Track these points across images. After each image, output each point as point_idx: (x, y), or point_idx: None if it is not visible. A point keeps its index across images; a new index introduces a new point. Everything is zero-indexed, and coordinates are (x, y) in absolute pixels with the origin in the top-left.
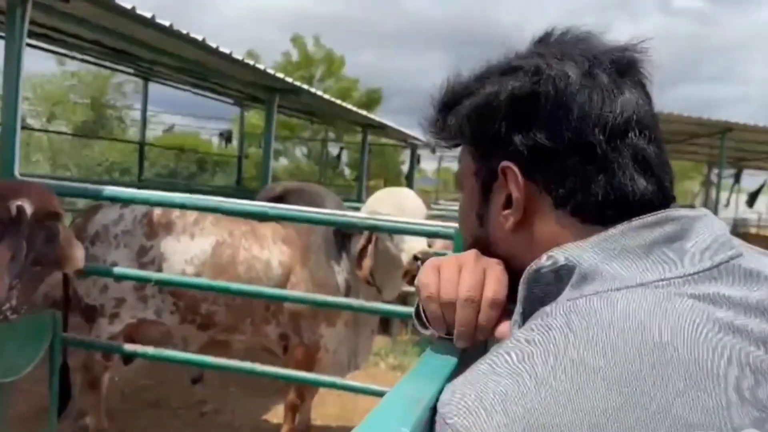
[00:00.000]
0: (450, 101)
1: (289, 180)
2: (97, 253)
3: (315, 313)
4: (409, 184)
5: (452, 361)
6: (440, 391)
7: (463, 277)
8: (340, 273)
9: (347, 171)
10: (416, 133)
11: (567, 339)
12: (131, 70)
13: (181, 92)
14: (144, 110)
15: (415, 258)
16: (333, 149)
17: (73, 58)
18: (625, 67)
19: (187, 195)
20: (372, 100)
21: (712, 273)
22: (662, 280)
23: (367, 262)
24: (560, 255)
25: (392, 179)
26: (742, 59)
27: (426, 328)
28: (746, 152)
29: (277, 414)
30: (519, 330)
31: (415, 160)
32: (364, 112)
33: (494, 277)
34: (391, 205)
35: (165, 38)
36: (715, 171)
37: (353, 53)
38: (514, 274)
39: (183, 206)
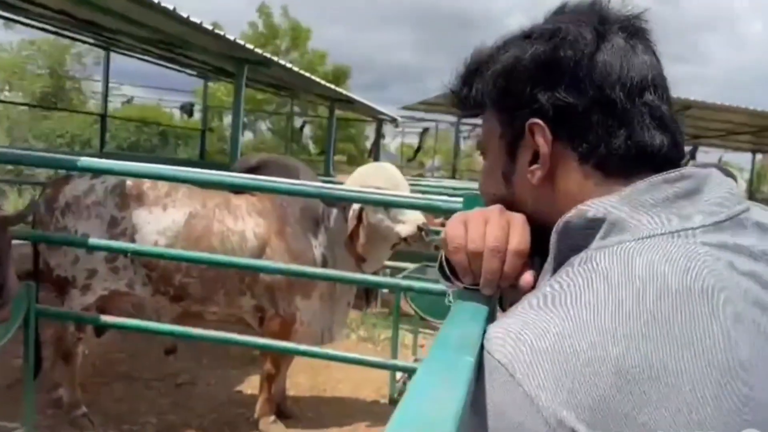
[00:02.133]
0: (475, 69)
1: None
2: (68, 225)
3: (291, 285)
4: (375, 159)
5: (484, 308)
6: (484, 331)
7: (489, 229)
8: (317, 247)
9: (311, 146)
10: (383, 108)
11: (596, 282)
12: (92, 40)
13: (140, 64)
14: (106, 81)
15: (419, 228)
16: (298, 124)
17: (32, 26)
18: (635, 32)
19: (167, 167)
20: (339, 76)
21: (726, 224)
22: (682, 230)
23: (362, 237)
24: (590, 208)
25: (355, 154)
26: (702, 39)
27: (449, 281)
28: (703, 129)
29: (251, 385)
30: (552, 277)
31: (381, 135)
32: (333, 87)
33: (518, 229)
34: (385, 179)
35: (132, 6)
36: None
37: (321, 27)
38: (537, 229)
39: (165, 178)
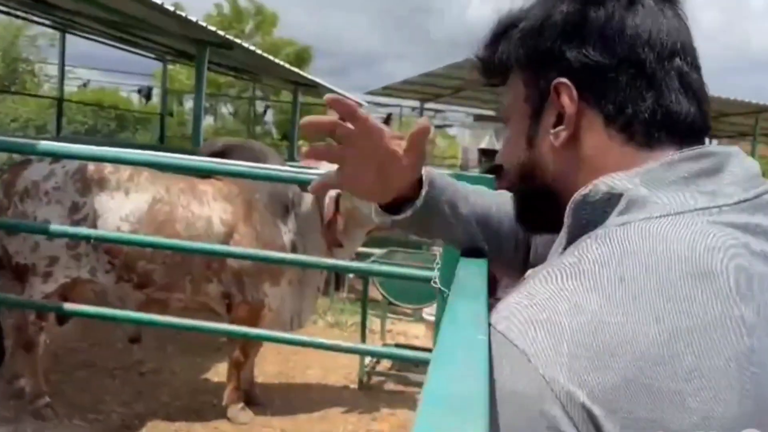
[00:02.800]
0: (503, 30)
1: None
2: (27, 210)
3: (259, 272)
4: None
5: (484, 281)
6: (488, 307)
7: None
8: (287, 233)
9: (274, 131)
10: (348, 93)
11: (613, 259)
12: (47, 22)
13: (97, 46)
14: (62, 64)
15: None
16: (260, 108)
17: None
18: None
19: (132, 150)
20: (301, 58)
21: (746, 205)
22: (702, 209)
23: (341, 224)
24: (608, 183)
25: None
26: None
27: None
28: None
29: (217, 373)
30: (567, 251)
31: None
32: (297, 71)
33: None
34: None
35: None
36: None
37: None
38: (552, 201)
39: (129, 161)
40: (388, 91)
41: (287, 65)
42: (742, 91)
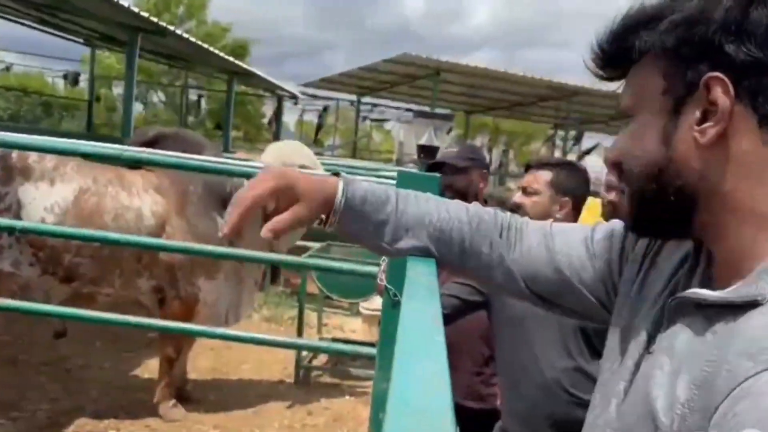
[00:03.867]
0: (645, 20)
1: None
2: None
3: (193, 265)
4: (276, 136)
5: (435, 280)
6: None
7: None
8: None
9: (207, 120)
10: (284, 83)
11: None
12: None
13: (20, 28)
14: None
15: None
16: (193, 97)
17: None
18: None
19: (58, 139)
20: (239, 50)
21: None
22: None
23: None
24: None
25: (253, 131)
26: (591, 26)
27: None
28: (589, 115)
29: (149, 369)
30: None
31: (281, 111)
32: (232, 59)
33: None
34: (307, 156)
35: None
36: (561, 132)
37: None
38: (692, 200)
39: (57, 151)
40: (324, 83)
41: (221, 54)
42: None
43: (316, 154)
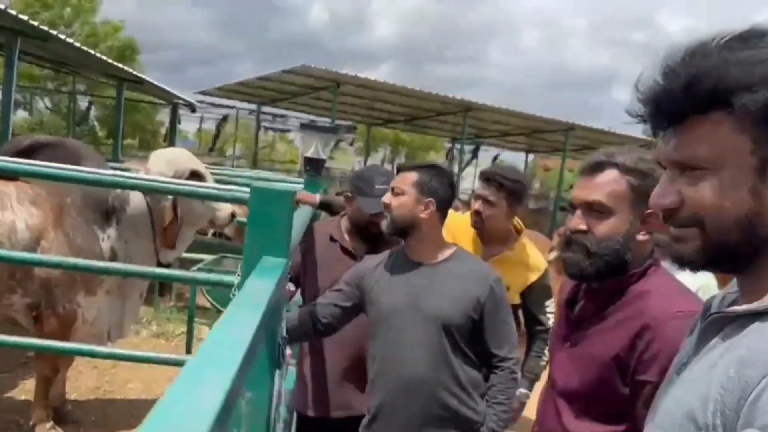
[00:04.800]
0: (740, 85)
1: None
2: None
3: (72, 281)
4: (171, 145)
5: (260, 303)
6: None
7: None
8: (106, 239)
9: (98, 128)
10: (178, 90)
11: None
12: None
13: None
14: None
15: (233, 215)
16: (83, 103)
17: None
18: None
19: None
20: (126, 51)
21: None
22: None
23: (179, 228)
24: None
25: (148, 139)
26: (487, 44)
27: None
28: (483, 130)
29: (24, 389)
30: None
31: (177, 119)
32: (121, 65)
33: None
34: (197, 164)
35: None
36: (458, 146)
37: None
38: (743, 240)
39: None
40: (222, 91)
41: (108, 59)
42: (559, 107)
43: (215, 163)
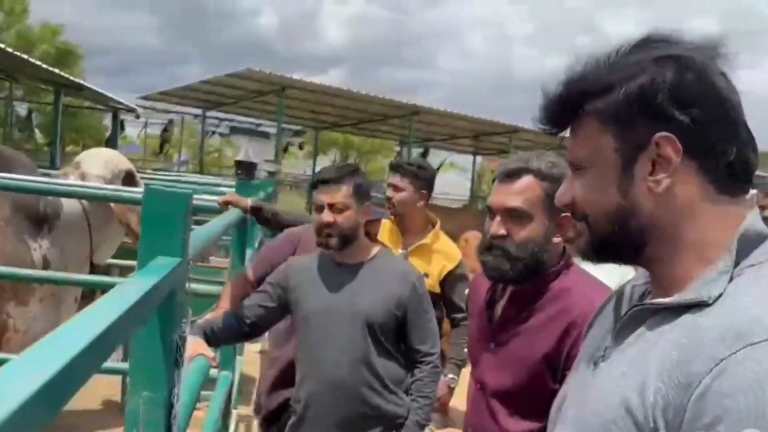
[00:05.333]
0: (595, 87)
1: None
2: None
3: (1, 291)
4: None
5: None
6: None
7: None
8: (38, 248)
9: (38, 135)
10: (119, 96)
11: None
12: None
13: None
14: None
15: None
16: (22, 110)
17: None
18: (720, 61)
19: None
20: (66, 57)
21: None
22: None
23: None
24: (756, 227)
25: (92, 145)
26: (433, 48)
27: None
28: (431, 133)
29: None
30: (756, 272)
31: (117, 125)
32: (57, 71)
33: None
34: (127, 163)
35: None
36: (406, 149)
37: (48, 4)
38: (646, 238)
39: None
40: (165, 96)
41: (44, 65)
42: (503, 111)
43: (159, 169)
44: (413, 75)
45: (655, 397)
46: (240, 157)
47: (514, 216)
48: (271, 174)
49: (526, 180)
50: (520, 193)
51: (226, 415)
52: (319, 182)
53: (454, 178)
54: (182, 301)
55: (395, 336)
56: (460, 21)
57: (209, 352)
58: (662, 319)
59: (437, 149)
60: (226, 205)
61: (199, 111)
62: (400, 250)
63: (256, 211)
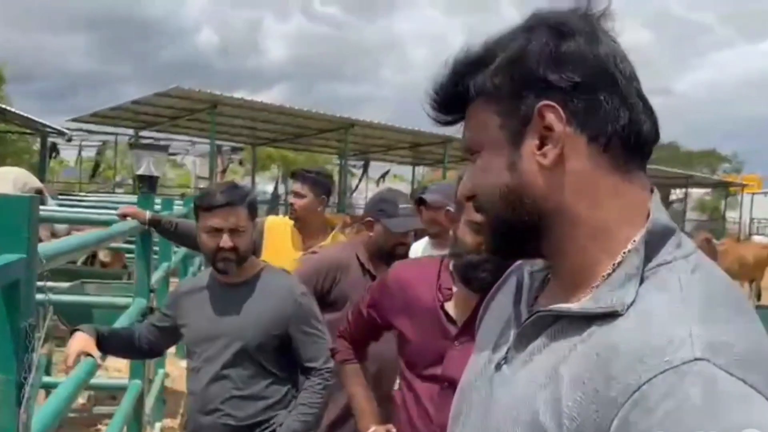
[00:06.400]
0: (474, 63)
1: None
2: None
3: None
4: (41, 175)
5: None
6: None
7: None
8: None
9: None
10: (58, 120)
11: (723, 288)
12: None
13: None
14: None
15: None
16: None
17: None
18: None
19: None
20: None
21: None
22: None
23: None
24: (662, 221)
25: (23, 168)
26: (377, 63)
27: None
28: (370, 146)
29: None
30: (666, 273)
31: (48, 149)
32: None
33: None
34: (39, 183)
35: None
36: (351, 162)
37: None
38: (545, 219)
39: None
40: (96, 117)
41: None
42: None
43: (94, 191)
44: (356, 89)
45: (570, 422)
46: (140, 172)
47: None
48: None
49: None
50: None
51: (139, 425)
52: (214, 207)
53: (404, 188)
54: (29, 293)
55: (277, 356)
56: (402, 35)
57: (95, 351)
58: (569, 326)
59: (377, 161)
60: (124, 217)
61: (131, 132)
62: (300, 253)
63: (155, 223)
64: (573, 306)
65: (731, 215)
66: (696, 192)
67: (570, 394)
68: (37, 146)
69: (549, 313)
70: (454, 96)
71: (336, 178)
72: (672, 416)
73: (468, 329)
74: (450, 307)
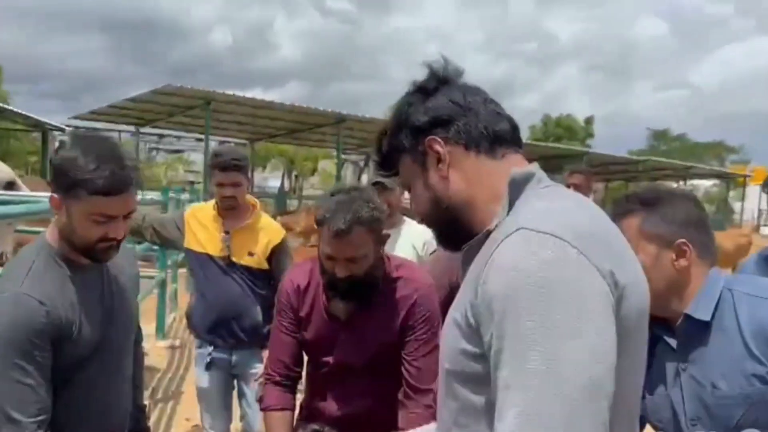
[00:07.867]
0: (388, 133)
1: None
2: None
3: None
4: (42, 171)
5: None
6: None
7: None
8: None
9: None
10: (51, 118)
11: (568, 199)
12: None
13: None
14: None
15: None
16: None
17: None
18: (455, 80)
19: None
20: None
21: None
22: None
23: None
24: (524, 170)
25: (22, 168)
26: (386, 60)
27: None
28: (362, 140)
29: None
30: (525, 201)
31: (49, 146)
32: None
33: None
34: (13, 175)
35: None
36: (342, 156)
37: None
38: (460, 212)
39: None
40: (95, 115)
41: None
42: None
43: None
44: (366, 87)
45: (471, 309)
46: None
47: (353, 261)
48: None
49: (358, 231)
50: (358, 246)
51: None
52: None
53: None
54: None
55: None
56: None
57: None
58: (476, 251)
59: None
60: None
61: (133, 128)
62: (223, 233)
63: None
64: (474, 239)
65: (745, 206)
66: (703, 184)
67: (469, 290)
68: (38, 144)
69: (469, 247)
70: (389, 158)
71: (333, 172)
72: (501, 249)
73: (353, 318)
74: (338, 303)
